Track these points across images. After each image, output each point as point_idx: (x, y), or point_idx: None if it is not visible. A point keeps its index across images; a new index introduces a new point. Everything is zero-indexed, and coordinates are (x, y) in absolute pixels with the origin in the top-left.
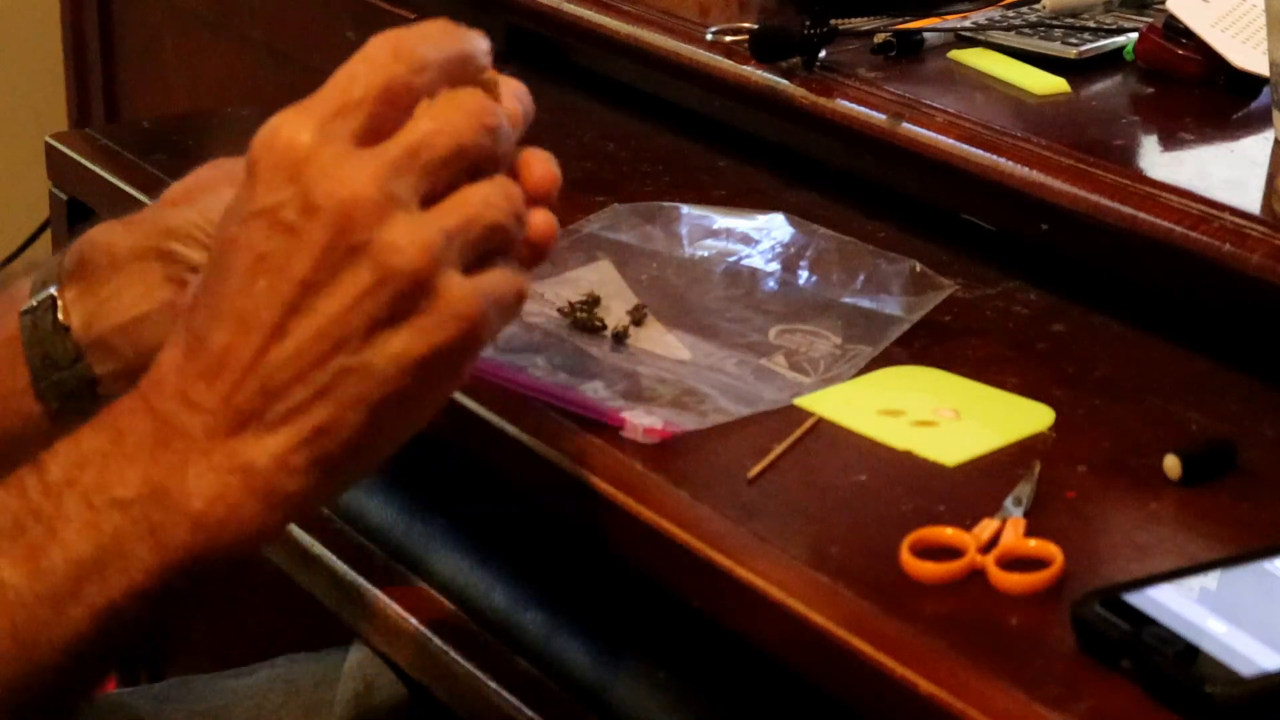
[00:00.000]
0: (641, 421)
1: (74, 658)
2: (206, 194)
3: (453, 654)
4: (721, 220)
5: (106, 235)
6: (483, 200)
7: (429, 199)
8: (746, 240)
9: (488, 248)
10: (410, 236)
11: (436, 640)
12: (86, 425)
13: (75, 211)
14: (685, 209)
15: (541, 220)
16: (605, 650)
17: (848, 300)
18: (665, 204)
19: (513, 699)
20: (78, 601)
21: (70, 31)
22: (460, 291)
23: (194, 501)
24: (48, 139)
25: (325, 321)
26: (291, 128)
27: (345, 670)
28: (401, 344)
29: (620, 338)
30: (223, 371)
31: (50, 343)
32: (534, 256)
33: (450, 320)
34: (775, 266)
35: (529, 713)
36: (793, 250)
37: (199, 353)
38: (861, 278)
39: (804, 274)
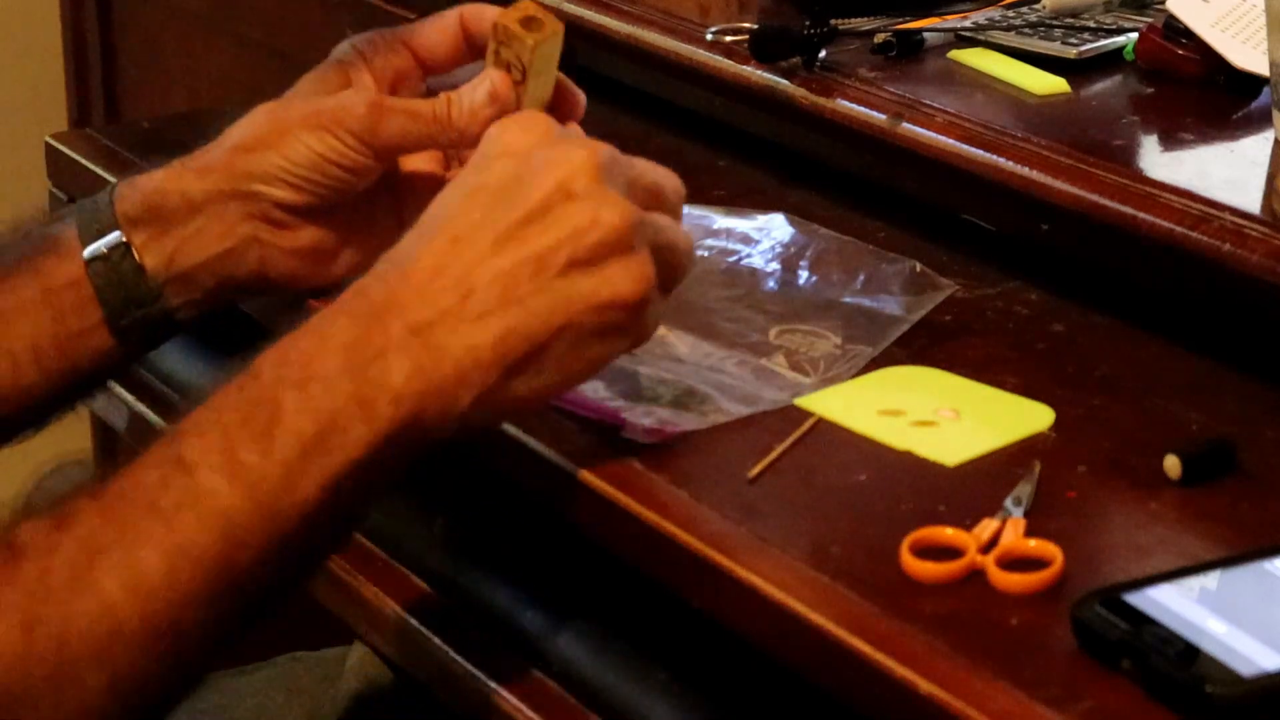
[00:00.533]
0: (642, 422)
1: (308, 527)
2: (285, 139)
3: (453, 654)
4: (721, 220)
5: (177, 183)
6: (672, 226)
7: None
8: (746, 240)
9: (659, 271)
10: (621, 202)
11: (437, 640)
12: (288, 334)
13: None
14: (684, 209)
15: None
16: (605, 650)
17: (848, 300)
18: None
19: (513, 699)
20: (307, 473)
21: (70, 31)
22: (644, 261)
23: (394, 378)
24: (48, 139)
25: (534, 249)
26: (528, 118)
27: (346, 669)
28: (591, 284)
29: None
30: (431, 279)
31: (131, 284)
32: None
33: (632, 280)
34: (775, 266)
35: (529, 712)
36: (793, 250)
37: (406, 267)
38: (861, 278)
39: (804, 274)
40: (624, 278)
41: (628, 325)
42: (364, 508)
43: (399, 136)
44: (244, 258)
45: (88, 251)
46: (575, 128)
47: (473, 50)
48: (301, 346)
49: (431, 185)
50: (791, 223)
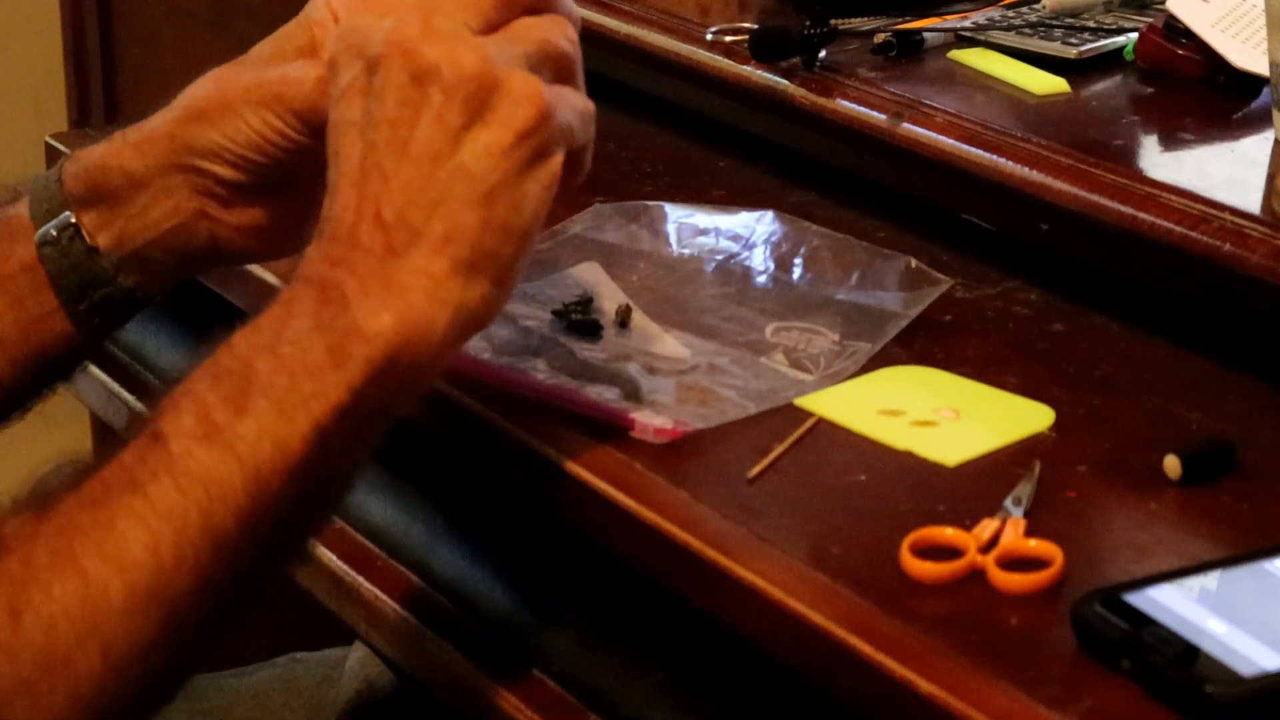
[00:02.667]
0: (652, 422)
1: (295, 483)
2: (226, 115)
3: (453, 653)
4: (708, 218)
5: (117, 159)
6: (541, 27)
7: (488, 30)
8: (736, 238)
9: (554, 71)
10: (468, 49)
11: (437, 640)
12: (263, 308)
13: None
14: (669, 208)
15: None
16: (605, 650)
17: (843, 296)
18: (649, 203)
19: (513, 698)
20: (287, 428)
21: (70, 31)
22: (523, 80)
23: (363, 322)
24: (48, 139)
25: (416, 146)
26: (351, 20)
27: (346, 670)
28: (486, 137)
29: (621, 329)
30: (354, 228)
31: (84, 267)
32: None
33: (521, 105)
34: (768, 264)
35: (529, 712)
36: (785, 247)
37: (331, 226)
38: (856, 274)
39: (798, 271)
40: (511, 110)
41: (546, 143)
42: (352, 465)
43: None
44: (194, 233)
45: (38, 235)
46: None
47: None
48: (272, 314)
49: None
50: (781, 220)
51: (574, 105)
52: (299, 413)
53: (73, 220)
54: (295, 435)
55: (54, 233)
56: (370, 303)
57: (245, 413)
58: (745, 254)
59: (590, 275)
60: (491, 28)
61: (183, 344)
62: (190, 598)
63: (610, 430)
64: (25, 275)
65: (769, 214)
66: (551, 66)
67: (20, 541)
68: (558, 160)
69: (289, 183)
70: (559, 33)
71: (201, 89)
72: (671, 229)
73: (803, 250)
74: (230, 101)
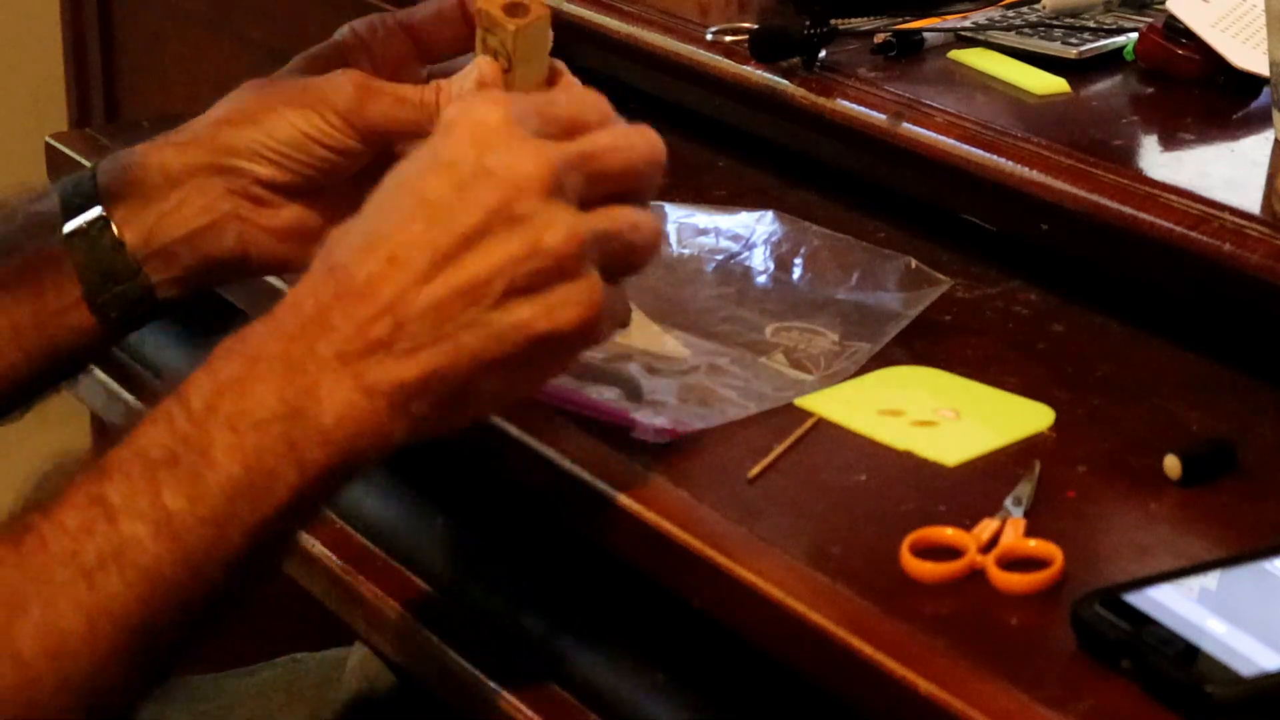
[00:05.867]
0: (653, 422)
1: (235, 572)
2: (270, 115)
3: (453, 654)
4: (708, 218)
5: (157, 156)
6: (633, 222)
7: (585, 205)
8: (736, 238)
9: (619, 266)
10: (567, 222)
11: (437, 640)
12: (218, 353)
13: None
14: (669, 208)
15: None
16: (605, 650)
17: (843, 296)
18: (650, 203)
19: (513, 699)
20: (234, 521)
21: (70, 31)
22: (592, 286)
23: (326, 418)
24: (48, 139)
25: (470, 277)
26: (487, 106)
27: (347, 670)
28: (528, 313)
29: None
30: (364, 299)
31: (109, 259)
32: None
33: (575, 307)
34: (768, 264)
35: (529, 712)
36: (785, 248)
37: (342, 280)
38: (856, 274)
39: (797, 271)
40: (565, 306)
41: (566, 354)
42: (287, 546)
43: (384, 120)
44: (224, 234)
45: (68, 227)
46: (564, 94)
47: (475, 38)
48: (232, 371)
49: None
50: (781, 220)
51: (616, 314)
52: (248, 507)
53: (103, 213)
54: (239, 531)
55: (84, 224)
56: (338, 393)
57: (198, 501)
58: (745, 254)
59: None
60: (590, 205)
61: (183, 344)
62: (115, 682)
63: (610, 430)
64: (49, 267)
65: (769, 214)
66: (621, 263)
67: None
68: (566, 363)
69: (321, 188)
70: (648, 233)
71: (240, 97)
72: (671, 229)
73: (803, 250)
74: (274, 105)
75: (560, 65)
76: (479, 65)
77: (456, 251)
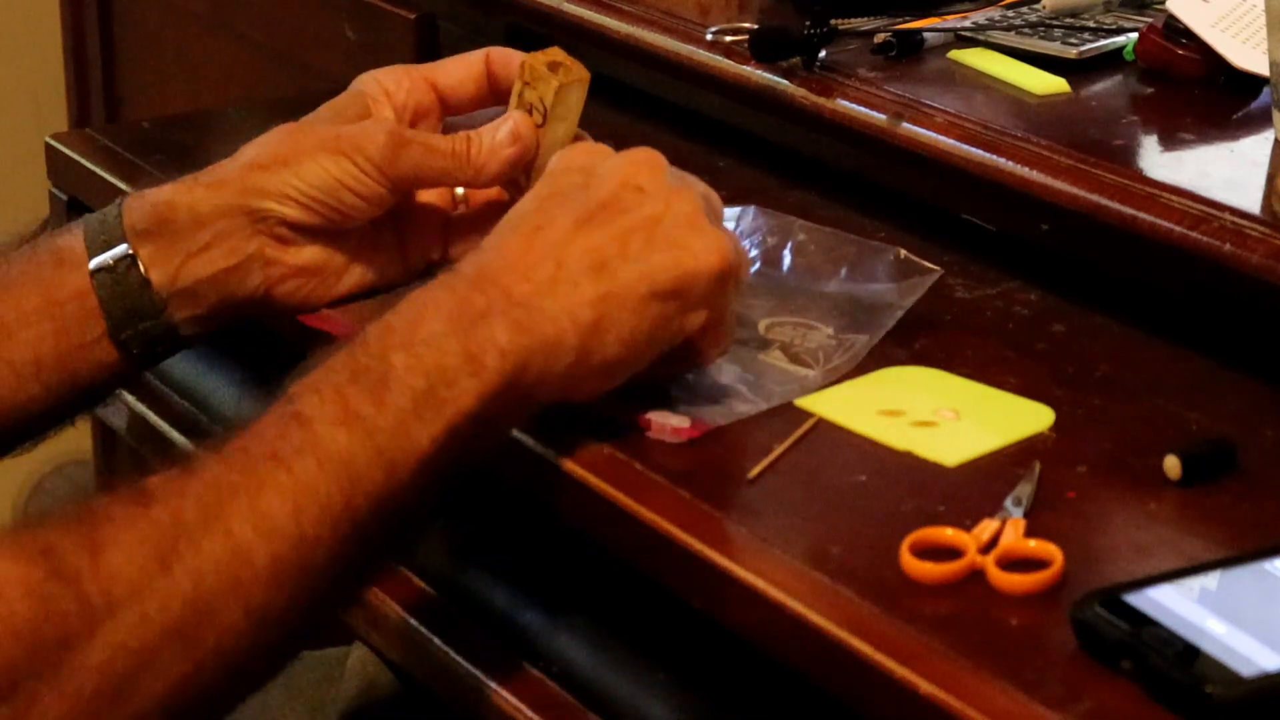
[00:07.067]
0: (669, 422)
1: (421, 478)
2: (302, 159)
3: (453, 654)
4: None
5: (186, 197)
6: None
7: None
8: None
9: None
10: (693, 193)
11: (437, 640)
12: (390, 311)
13: (75, 211)
14: None
15: None
16: (605, 650)
17: (833, 289)
18: None
19: (513, 699)
20: (419, 425)
21: (70, 31)
22: (721, 236)
23: (499, 335)
24: (48, 139)
25: (615, 229)
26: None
27: (347, 669)
28: (674, 254)
29: None
30: (524, 255)
31: (135, 297)
32: None
33: (716, 251)
34: (755, 259)
35: (529, 712)
36: (771, 242)
37: (498, 247)
38: (846, 267)
39: (785, 265)
40: (705, 248)
41: (709, 298)
42: (468, 468)
43: (416, 169)
44: (249, 275)
45: (94, 263)
46: None
47: (494, 94)
48: (404, 316)
49: (436, 220)
50: (764, 214)
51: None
52: (433, 413)
53: (130, 251)
54: (427, 434)
55: (110, 261)
56: (509, 320)
57: (384, 406)
58: None
59: None
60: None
61: (193, 356)
62: (326, 572)
63: (610, 430)
64: (74, 302)
65: (751, 209)
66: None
67: (168, 494)
68: (703, 317)
69: (345, 229)
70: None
71: (272, 140)
72: None
73: (790, 244)
74: (307, 150)
75: (584, 135)
76: (514, 118)
77: (597, 213)
